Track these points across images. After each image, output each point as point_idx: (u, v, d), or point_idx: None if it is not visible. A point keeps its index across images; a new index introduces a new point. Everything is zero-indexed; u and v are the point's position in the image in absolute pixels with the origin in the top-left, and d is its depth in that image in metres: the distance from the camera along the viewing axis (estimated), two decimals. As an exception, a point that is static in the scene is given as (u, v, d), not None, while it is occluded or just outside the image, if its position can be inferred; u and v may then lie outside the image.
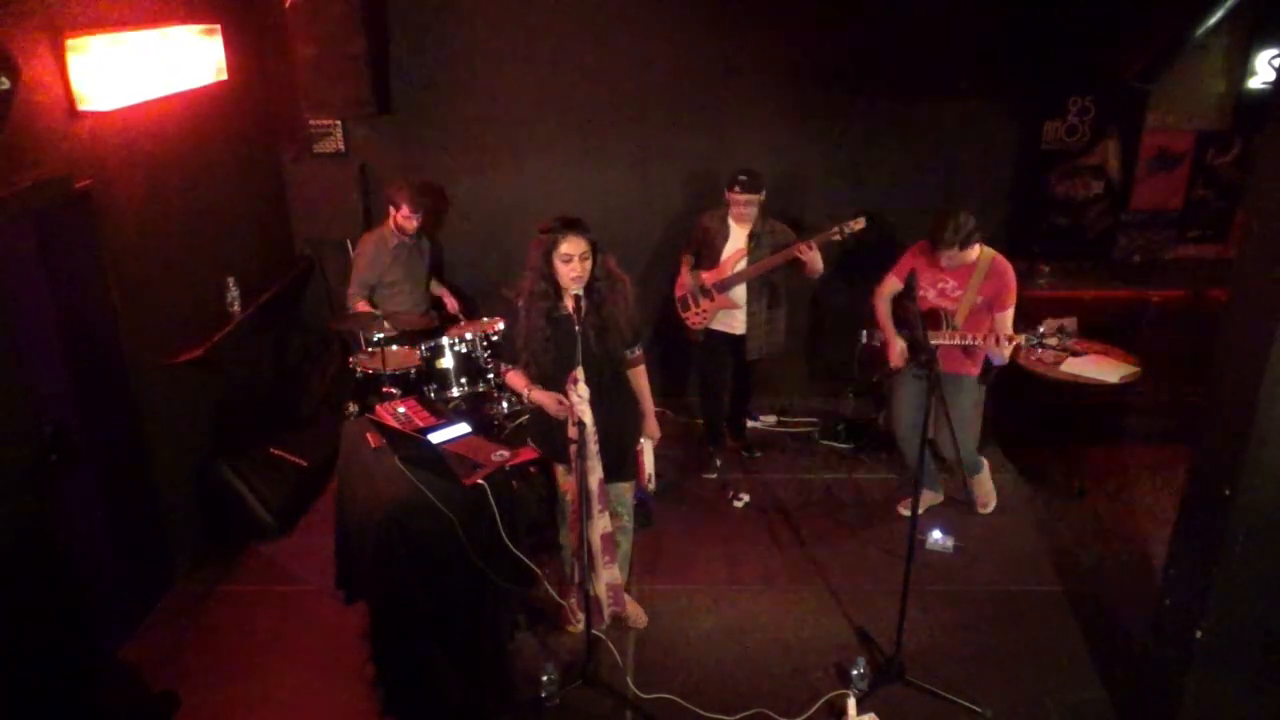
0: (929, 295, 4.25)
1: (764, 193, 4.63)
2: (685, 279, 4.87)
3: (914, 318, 3.64)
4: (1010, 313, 4.14)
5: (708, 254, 4.79)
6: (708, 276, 4.77)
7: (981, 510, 4.74)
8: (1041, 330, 4.02)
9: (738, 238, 4.71)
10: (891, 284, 4.38)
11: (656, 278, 5.50)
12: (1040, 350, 4.08)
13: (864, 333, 4.57)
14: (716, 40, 5.33)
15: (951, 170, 5.54)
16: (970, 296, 4.16)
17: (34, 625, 3.16)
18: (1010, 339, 4.07)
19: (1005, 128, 5.48)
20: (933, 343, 4.05)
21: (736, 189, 4.57)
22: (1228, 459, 2.78)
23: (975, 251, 4.11)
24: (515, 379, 3.56)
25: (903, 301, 4.49)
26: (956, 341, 4.15)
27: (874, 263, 5.73)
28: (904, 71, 5.33)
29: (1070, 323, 4.25)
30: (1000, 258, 4.17)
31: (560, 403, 3.33)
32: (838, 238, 4.55)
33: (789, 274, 4.74)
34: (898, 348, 4.31)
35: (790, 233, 4.72)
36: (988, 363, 4.30)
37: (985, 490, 4.77)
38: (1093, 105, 5.38)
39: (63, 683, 3.26)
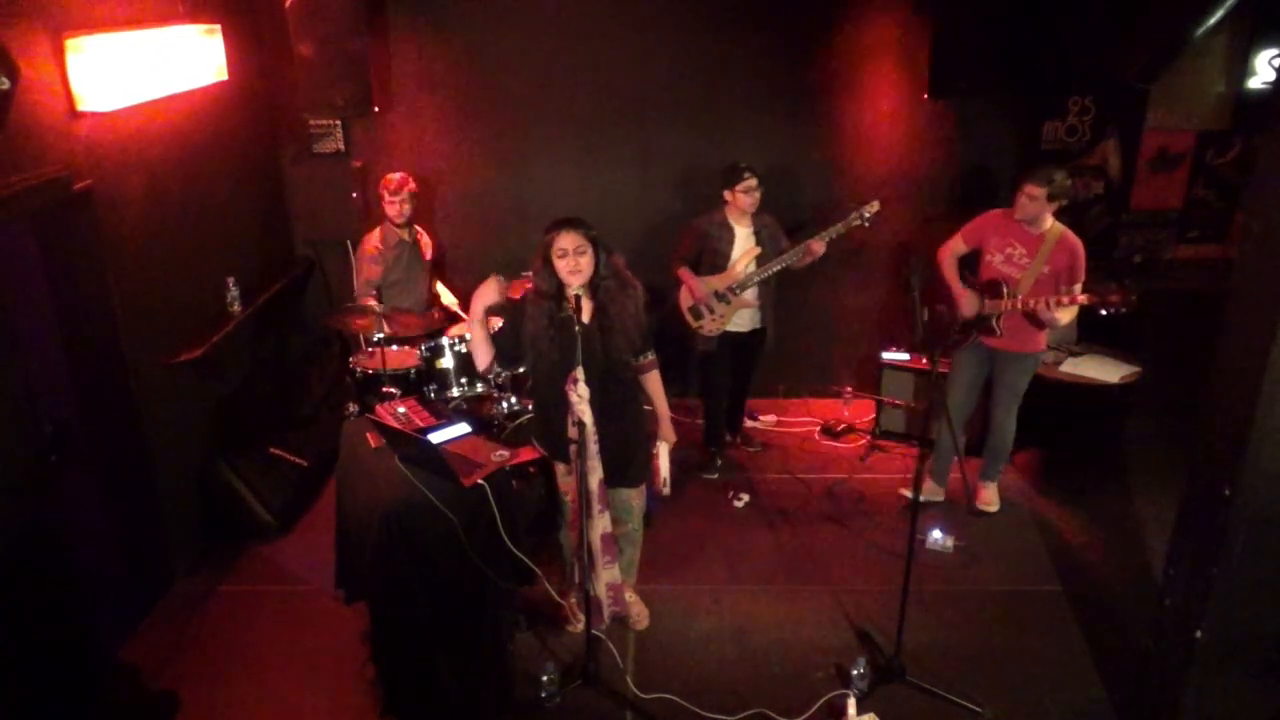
0: (995, 261, 4.33)
1: None
2: (695, 288, 4.74)
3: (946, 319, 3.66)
4: (1079, 286, 4.19)
5: (711, 259, 4.74)
6: (719, 280, 4.74)
7: (982, 508, 4.75)
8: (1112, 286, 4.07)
9: (745, 237, 4.70)
10: (956, 244, 4.45)
11: (658, 278, 5.48)
12: (1103, 309, 4.04)
13: (925, 309, 4.58)
14: (716, 39, 5.33)
15: (952, 171, 5.55)
16: (1038, 265, 4.20)
17: (34, 625, 3.15)
18: (1071, 300, 4.10)
19: (1005, 128, 5.49)
20: (994, 310, 4.27)
21: (747, 175, 4.54)
22: (1228, 459, 2.78)
23: (1049, 221, 4.18)
24: None
25: (935, 309, 4.54)
26: (1017, 307, 4.20)
27: (876, 263, 5.79)
28: (901, 71, 5.34)
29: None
30: (1070, 232, 4.21)
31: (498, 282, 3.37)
32: (857, 223, 4.57)
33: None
34: (967, 298, 4.39)
35: (776, 221, 4.79)
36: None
37: (992, 494, 4.77)
38: (1093, 105, 5.38)
39: (63, 683, 3.26)
